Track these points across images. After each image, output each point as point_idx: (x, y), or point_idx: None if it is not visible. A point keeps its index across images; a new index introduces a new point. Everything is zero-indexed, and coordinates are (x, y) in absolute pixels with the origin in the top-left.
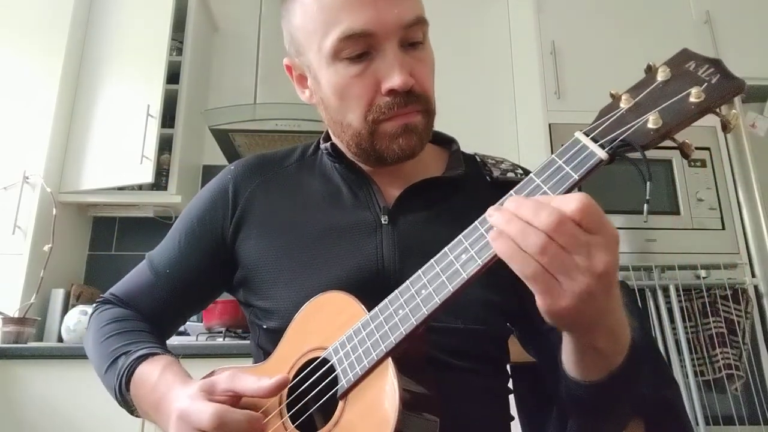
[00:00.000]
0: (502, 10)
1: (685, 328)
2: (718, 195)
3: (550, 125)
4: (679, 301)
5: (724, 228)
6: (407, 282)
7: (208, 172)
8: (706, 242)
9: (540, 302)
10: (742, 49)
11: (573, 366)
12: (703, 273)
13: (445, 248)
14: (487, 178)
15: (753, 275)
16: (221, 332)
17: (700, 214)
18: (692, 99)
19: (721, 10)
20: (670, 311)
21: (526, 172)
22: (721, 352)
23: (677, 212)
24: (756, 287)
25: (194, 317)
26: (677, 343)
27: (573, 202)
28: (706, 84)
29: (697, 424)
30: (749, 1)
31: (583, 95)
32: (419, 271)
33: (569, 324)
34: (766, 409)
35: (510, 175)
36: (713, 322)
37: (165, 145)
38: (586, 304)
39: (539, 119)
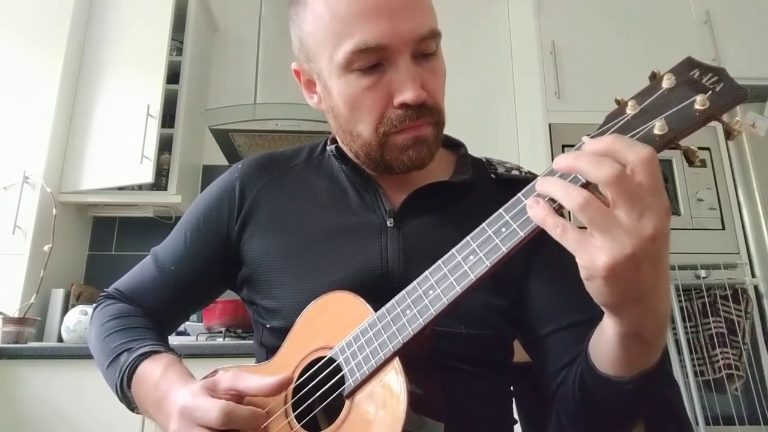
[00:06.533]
0: (502, 10)
1: (685, 328)
2: (718, 195)
3: (550, 125)
4: (679, 301)
5: (724, 228)
6: (414, 283)
7: (208, 172)
8: (706, 242)
9: (579, 263)
10: (742, 49)
11: (609, 359)
12: (703, 273)
13: (453, 250)
14: (492, 176)
15: (753, 275)
16: (221, 332)
17: (700, 214)
18: (697, 106)
19: (721, 10)
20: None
21: (531, 173)
22: (721, 352)
23: (677, 212)
24: (756, 287)
25: (194, 317)
26: (677, 343)
27: (637, 153)
28: (710, 92)
29: (697, 424)
30: (749, 1)
31: (583, 95)
32: (426, 272)
33: (614, 295)
34: (766, 409)
35: (514, 172)
36: (713, 322)
37: (165, 145)
38: (631, 270)
39: (539, 119)
